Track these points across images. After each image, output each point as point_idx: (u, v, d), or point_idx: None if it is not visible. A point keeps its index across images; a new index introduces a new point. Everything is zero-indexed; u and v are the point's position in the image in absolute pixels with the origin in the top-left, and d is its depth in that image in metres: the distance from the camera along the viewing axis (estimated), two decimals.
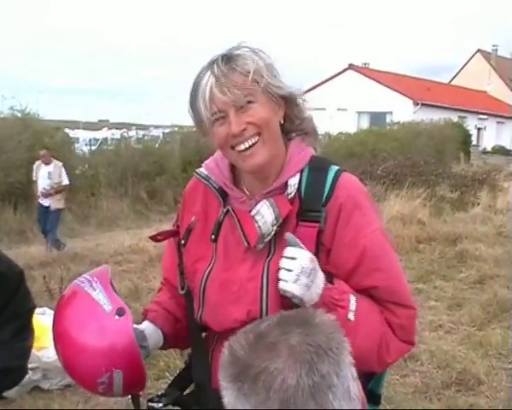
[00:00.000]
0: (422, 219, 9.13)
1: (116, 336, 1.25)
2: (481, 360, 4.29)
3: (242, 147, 1.28)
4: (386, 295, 1.30)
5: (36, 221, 9.88)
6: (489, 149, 34.02)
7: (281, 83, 1.30)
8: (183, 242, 1.44)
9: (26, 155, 11.48)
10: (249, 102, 1.26)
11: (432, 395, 3.79)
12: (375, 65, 37.67)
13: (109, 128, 26.50)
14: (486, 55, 45.03)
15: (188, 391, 1.49)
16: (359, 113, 34.09)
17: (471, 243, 7.82)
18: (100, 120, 40.07)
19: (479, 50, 45.89)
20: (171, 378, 1.57)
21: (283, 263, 1.22)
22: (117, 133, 21.75)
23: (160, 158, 15.61)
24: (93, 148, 18.32)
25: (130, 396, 1.39)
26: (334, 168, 1.35)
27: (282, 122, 1.35)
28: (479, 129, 37.26)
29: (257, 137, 1.28)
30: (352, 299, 1.26)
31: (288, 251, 1.23)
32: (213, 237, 1.38)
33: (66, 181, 9.24)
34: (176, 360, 3.92)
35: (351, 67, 35.43)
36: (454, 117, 30.34)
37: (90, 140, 20.42)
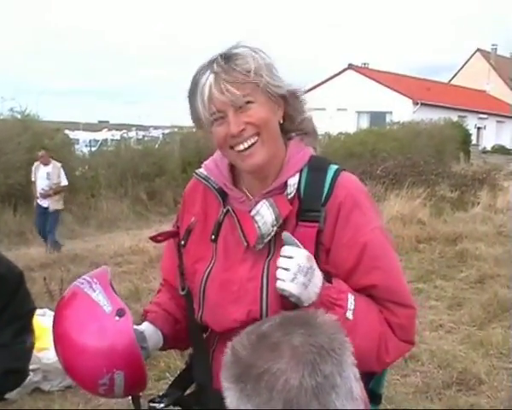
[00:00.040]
0: (422, 218, 9.13)
1: (116, 336, 1.25)
2: (482, 360, 4.28)
3: (241, 147, 1.28)
4: (386, 295, 1.30)
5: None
6: (489, 148, 34.05)
7: (280, 82, 1.30)
8: (182, 242, 1.44)
9: (26, 157, 11.48)
10: (248, 102, 1.26)
11: (432, 395, 3.79)
12: (374, 65, 37.75)
13: (109, 129, 26.52)
14: (486, 55, 45.06)
15: (189, 392, 1.49)
16: (359, 113, 34.11)
17: (471, 242, 7.82)
18: (100, 121, 40.12)
19: (478, 50, 45.92)
20: (172, 379, 1.56)
21: (280, 262, 1.22)
22: (117, 134, 21.80)
23: (160, 159, 15.62)
24: (93, 149, 18.33)
25: (130, 397, 1.39)
26: (334, 168, 1.35)
27: (282, 121, 1.35)
28: (478, 128, 37.27)
29: (256, 138, 1.28)
30: (351, 298, 1.26)
31: (285, 250, 1.23)
32: (213, 237, 1.38)
33: (64, 182, 9.24)
34: (176, 361, 3.92)
35: (350, 67, 35.46)
36: (454, 117, 30.35)
37: (89, 141, 20.45)
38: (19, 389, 3.37)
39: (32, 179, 9.27)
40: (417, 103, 32.73)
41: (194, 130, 15.20)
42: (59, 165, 9.26)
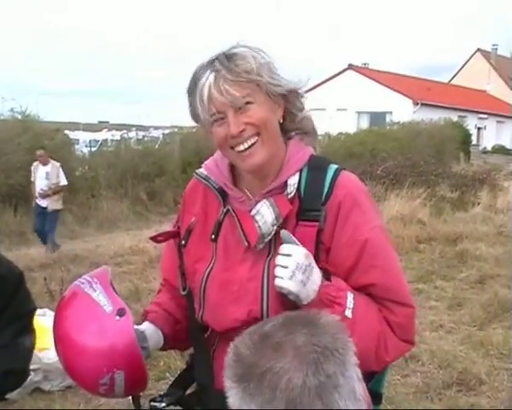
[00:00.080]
0: (423, 219, 9.13)
1: (117, 336, 1.25)
2: (482, 360, 4.28)
3: (242, 147, 1.28)
4: (385, 293, 1.30)
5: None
6: (489, 148, 34.04)
7: (280, 81, 1.30)
8: (183, 242, 1.44)
9: (26, 157, 11.47)
10: (247, 102, 1.26)
11: (433, 395, 3.79)
12: (374, 65, 37.75)
13: (109, 129, 26.52)
14: (486, 55, 45.03)
15: (189, 391, 1.49)
16: (359, 113, 34.11)
17: (471, 242, 7.82)
18: (100, 122, 40.14)
19: (478, 50, 45.89)
20: (172, 379, 1.56)
21: (279, 260, 1.23)
22: (117, 134, 21.79)
23: (160, 159, 15.62)
24: (93, 149, 18.32)
25: (130, 397, 1.39)
26: (334, 167, 1.35)
27: (282, 121, 1.35)
28: (479, 128, 37.26)
29: (256, 138, 1.28)
30: (350, 296, 1.26)
31: (283, 248, 1.24)
32: (213, 236, 1.38)
33: (63, 181, 9.24)
34: (176, 361, 3.92)
35: (350, 67, 35.45)
36: (454, 117, 30.35)
37: (90, 141, 20.44)
38: (19, 389, 3.36)
39: (31, 179, 9.28)
40: (417, 103, 32.72)
41: (194, 130, 15.26)
42: (58, 164, 9.26)
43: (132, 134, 21.87)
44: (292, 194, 1.31)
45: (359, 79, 33.62)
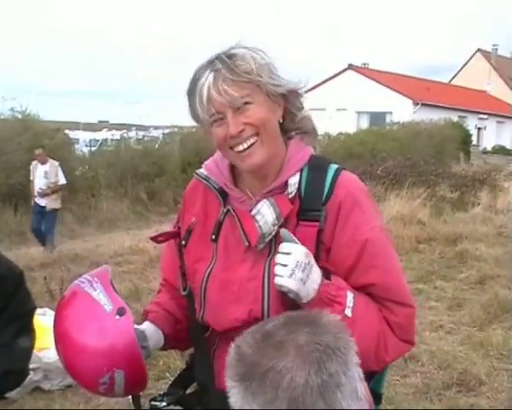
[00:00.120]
0: (422, 219, 9.13)
1: (117, 335, 1.25)
2: (482, 361, 4.28)
3: (241, 148, 1.28)
4: (384, 293, 1.30)
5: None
6: (489, 148, 34.02)
7: (280, 81, 1.30)
8: (183, 242, 1.44)
9: (27, 157, 11.46)
10: (246, 102, 1.26)
11: (432, 396, 3.79)
12: (374, 65, 37.73)
13: (109, 129, 26.52)
14: (486, 55, 45.01)
15: (189, 391, 1.49)
16: (359, 113, 34.10)
17: (471, 243, 7.82)
18: (100, 121, 40.14)
19: (479, 50, 45.87)
20: (172, 379, 1.56)
21: (278, 258, 1.23)
22: (117, 134, 21.80)
23: (160, 159, 15.62)
24: (93, 149, 18.31)
25: (130, 397, 1.39)
26: (334, 167, 1.35)
27: (282, 121, 1.35)
28: (479, 129, 37.26)
29: (255, 138, 1.28)
30: (350, 296, 1.26)
31: (283, 246, 1.24)
32: (214, 236, 1.38)
33: (62, 180, 9.24)
34: (176, 361, 3.92)
35: (350, 67, 35.45)
36: (454, 117, 30.35)
37: (89, 141, 20.41)
38: (19, 389, 3.36)
39: (30, 178, 9.28)
40: (417, 103, 32.71)
41: (194, 130, 15.26)
42: (56, 164, 9.25)
43: (132, 134, 21.88)
44: (292, 194, 1.31)
45: (359, 79, 33.61)
